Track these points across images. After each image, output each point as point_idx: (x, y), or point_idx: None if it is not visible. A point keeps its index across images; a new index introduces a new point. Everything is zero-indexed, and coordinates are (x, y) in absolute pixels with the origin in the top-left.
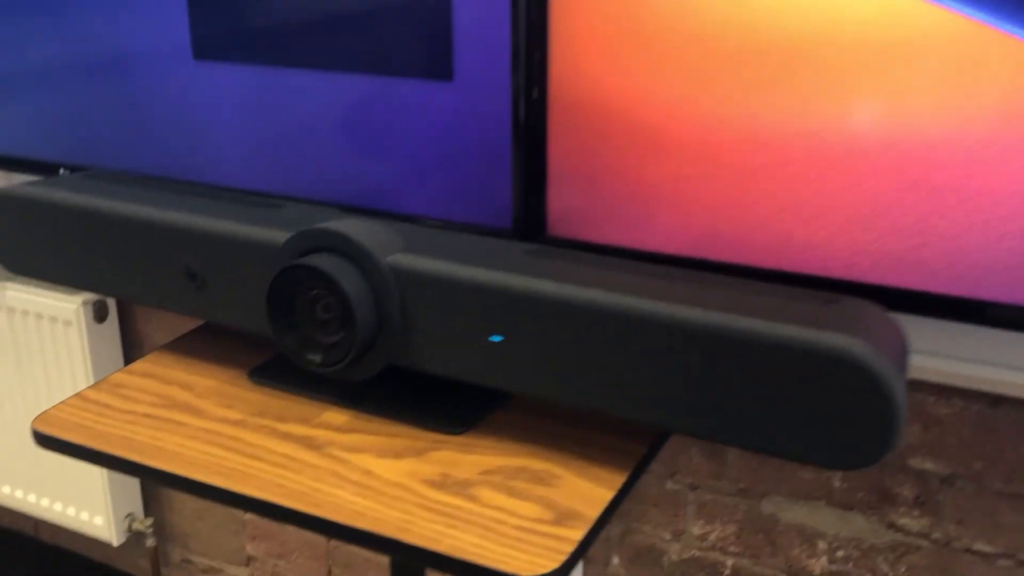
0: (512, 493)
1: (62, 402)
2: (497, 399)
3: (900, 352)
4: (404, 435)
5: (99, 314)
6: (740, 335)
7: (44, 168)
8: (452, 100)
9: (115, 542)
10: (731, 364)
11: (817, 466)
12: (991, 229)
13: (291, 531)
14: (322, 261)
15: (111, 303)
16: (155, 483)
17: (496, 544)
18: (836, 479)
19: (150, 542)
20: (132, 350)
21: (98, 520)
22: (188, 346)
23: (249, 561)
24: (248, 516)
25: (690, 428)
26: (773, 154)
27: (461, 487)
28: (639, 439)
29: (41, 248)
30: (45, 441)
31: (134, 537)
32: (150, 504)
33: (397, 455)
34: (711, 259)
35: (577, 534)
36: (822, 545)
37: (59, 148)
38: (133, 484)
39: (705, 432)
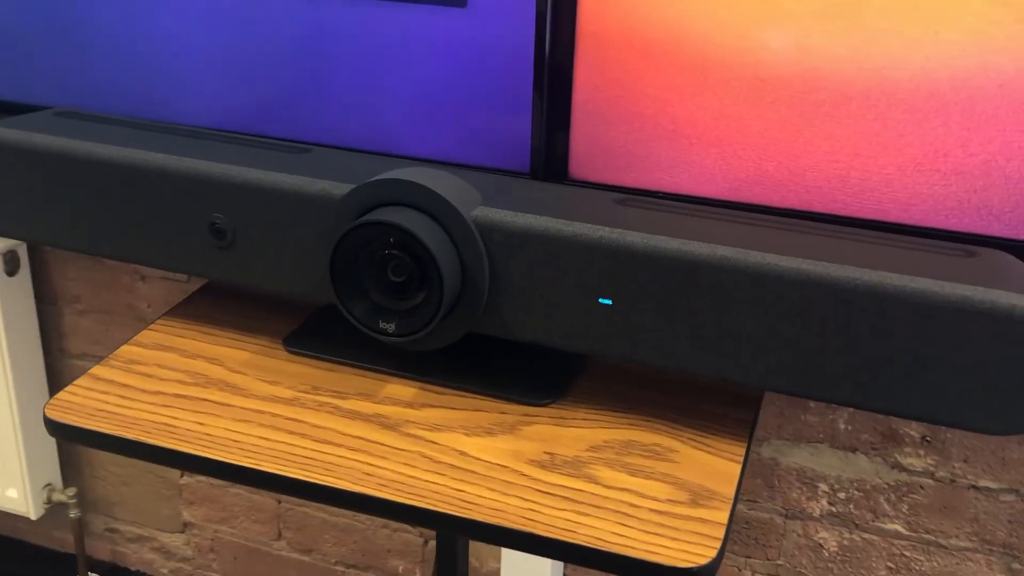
0: (632, 471)
1: (73, 384)
2: (574, 364)
3: None
4: (486, 408)
5: (10, 266)
6: (904, 295)
7: None
8: (466, 29)
9: (33, 515)
10: (885, 325)
11: (979, 432)
12: None
13: (234, 494)
14: (403, 217)
15: (22, 254)
16: (217, 478)
17: (638, 532)
18: (841, 422)
19: (73, 513)
20: (47, 305)
21: (12, 492)
22: (198, 311)
23: (186, 527)
24: (184, 480)
25: (834, 395)
26: (832, 91)
27: (573, 467)
28: (743, 404)
29: (14, 202)
30: (64, 431)
31: (53, 509)
32: (68, 472)
33: (488, 432)
34: (753, 203)
35: (721, 516)
36: (823, 487)
37: None
38: (50, 451)
39: (852, 400)
